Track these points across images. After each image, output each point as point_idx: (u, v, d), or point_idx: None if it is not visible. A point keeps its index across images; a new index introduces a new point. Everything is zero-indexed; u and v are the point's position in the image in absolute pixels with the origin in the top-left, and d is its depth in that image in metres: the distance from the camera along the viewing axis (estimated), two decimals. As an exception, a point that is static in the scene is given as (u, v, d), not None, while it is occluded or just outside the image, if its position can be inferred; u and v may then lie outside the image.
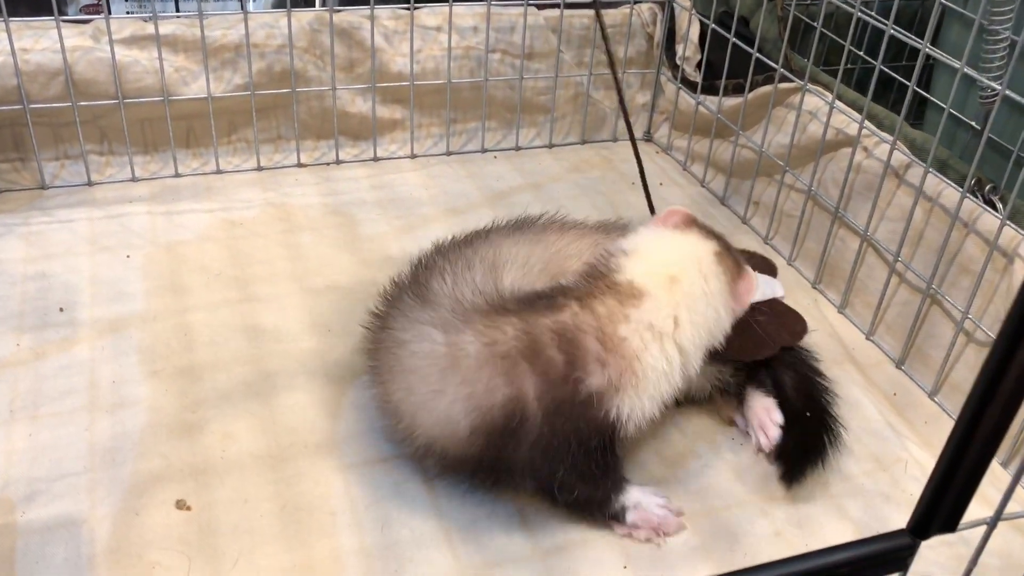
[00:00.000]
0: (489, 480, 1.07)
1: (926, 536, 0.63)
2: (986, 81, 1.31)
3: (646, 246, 1.10)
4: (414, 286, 1.11)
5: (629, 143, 1.64)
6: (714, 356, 1.11)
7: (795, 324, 1.23)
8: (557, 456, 1.00)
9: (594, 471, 1.02)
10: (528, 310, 1.01)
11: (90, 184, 1.63)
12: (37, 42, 1.55)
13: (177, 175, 1.68)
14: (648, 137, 1.97)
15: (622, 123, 1.95)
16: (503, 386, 0.98)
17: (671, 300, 1.04)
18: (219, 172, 1.70)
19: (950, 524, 0.63)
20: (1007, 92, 1.19)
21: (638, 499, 1.05)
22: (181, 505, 1.06)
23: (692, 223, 1.13)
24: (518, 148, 1.88)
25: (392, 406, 1.08)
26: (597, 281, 1.05)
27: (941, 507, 0.63)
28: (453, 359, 1.00)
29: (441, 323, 1.02)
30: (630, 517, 1.05)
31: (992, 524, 0.75)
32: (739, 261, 1.14)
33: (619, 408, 1.00)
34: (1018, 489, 1.10)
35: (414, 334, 1.04)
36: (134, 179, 1.65)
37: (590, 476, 1.02)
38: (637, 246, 1.09)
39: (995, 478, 1.15)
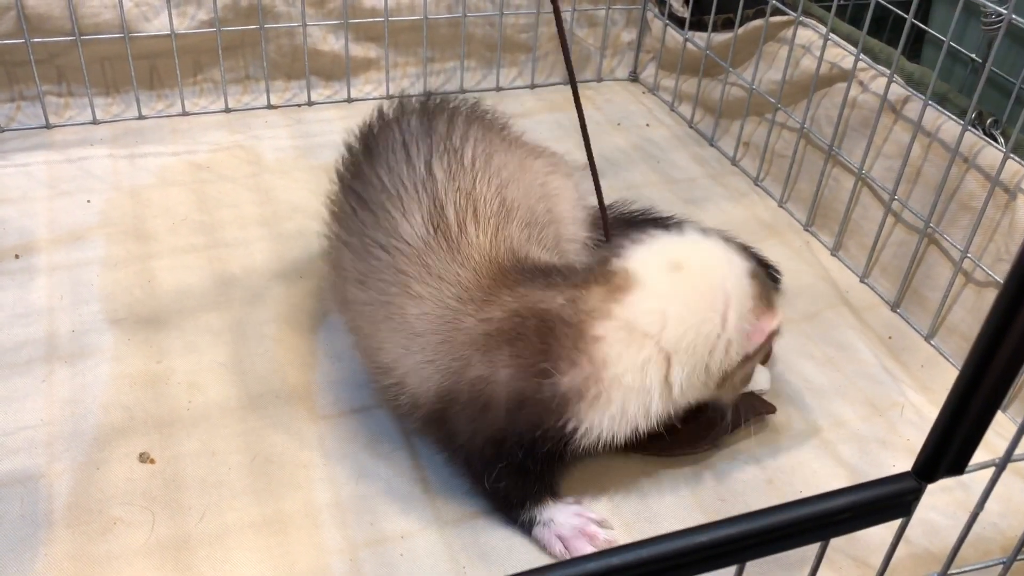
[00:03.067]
0: (441, 447, 1.00)
1: (933, 479, 0.59)
2: (991, 5, 1.25)
3: (662, 237, 0.92)
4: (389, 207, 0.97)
5: (614, 83, 1.56)
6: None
7: (763, 406, 1.08)
8: (504, 451, 0.90)
9: (530, 475, 0.92)
10: (527, 285, 0.90)
11: (48, 127, 1.55)
12: (-15, -26, 1.46)
13: (141, 117, 1.60)
14: (634, 77, 1.90)
15: (607, 62, 1.89)
16: (478, 364, 0.88)
17: (664, 290, 0.85)
18: (185, 114, 1.62)
19: (958, 466, 0.60)
20: (1013, 17, 1.13)
21: (551, 516, 0.95)
22: (145, 458, 1.00)
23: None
24: (499, 88, 1.80)
25: (374, 346, 0.99)
26: (594, 270, 0.90)
27: (949, 449, 0.59)
28: (445, 327, 0.90)
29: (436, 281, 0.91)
30: (536, 532, 0.95)
31: (1002, 466, 0.71)
32: (773, 296, 0.94)
33: (578, 420, 0.86)
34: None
35: (399, 290, 0.93)
36: (95, 121, 1.57)
37: (523, 478, 0.92)
38: (652, 237, 0.92)
39: (996, 423, 1.11)
